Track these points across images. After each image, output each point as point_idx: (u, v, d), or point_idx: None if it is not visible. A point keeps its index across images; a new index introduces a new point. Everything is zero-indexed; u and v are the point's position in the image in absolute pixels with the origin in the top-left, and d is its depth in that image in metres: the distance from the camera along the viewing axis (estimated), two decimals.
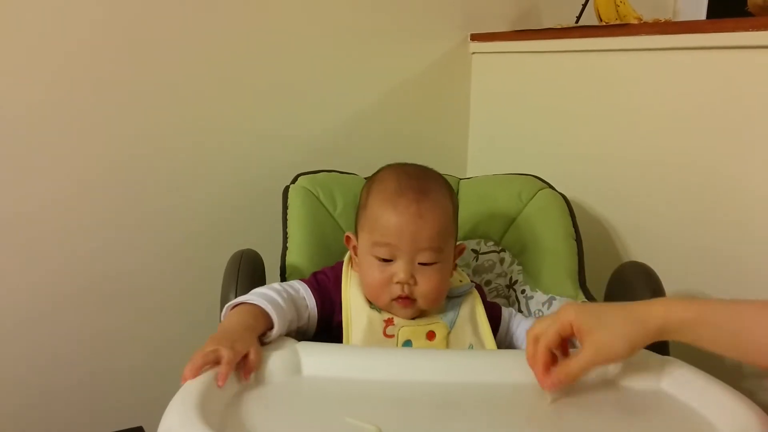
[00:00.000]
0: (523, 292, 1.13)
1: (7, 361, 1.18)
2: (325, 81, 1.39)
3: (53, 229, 1.18)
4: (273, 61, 1.33)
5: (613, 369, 0.82)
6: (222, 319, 0.86)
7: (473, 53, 1.54)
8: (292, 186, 1.15)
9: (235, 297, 0.96)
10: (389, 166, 0.99)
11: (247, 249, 1.05)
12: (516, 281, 1.14)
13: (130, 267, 1.26)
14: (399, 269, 0.90)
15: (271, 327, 0.84)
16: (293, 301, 0.91)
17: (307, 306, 0.94)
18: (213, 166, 1.31)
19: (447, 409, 0.73)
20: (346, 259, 0.99)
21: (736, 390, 0.75)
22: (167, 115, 1.25)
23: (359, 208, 0.97)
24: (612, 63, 1.25)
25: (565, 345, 0.79)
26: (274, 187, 1.17)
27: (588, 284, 1.11)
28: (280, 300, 0.87)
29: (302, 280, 0.97)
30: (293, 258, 1.08)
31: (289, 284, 0.95)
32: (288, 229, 1.11)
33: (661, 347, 0.94)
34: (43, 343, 1.20)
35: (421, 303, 0.91)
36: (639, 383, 0.80)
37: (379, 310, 0.93)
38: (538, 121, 1.42)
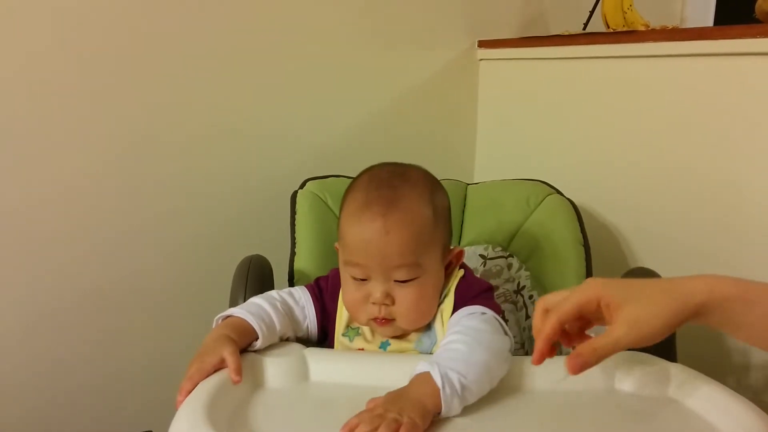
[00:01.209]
0: (531, 297, 1.13)
1: (13, 364, 1.18)
2: (333, 87, 1.40)
3: (59, 232, 1.19)
4: (282, 67, 1.34)
5: (618, 375, 0.82)
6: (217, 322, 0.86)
7: (481, 60, 1.55)
8: (300, 191, 1.16)
9: (244, 302, 0.97)
10: (368, 169, 0.91)
11: (256, 255, 1.06)
12: (524, 287, 1.14)
13: (138, 270, 1.27)
14: (374, 289, 0.83)
15: (256, 338, 0.82)
16: (289, 312, 0.89)
17: (306, 316, 0.91)
18: (221, 170, 1.32)
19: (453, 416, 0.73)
20: None
21: (742, 396, 0.75)
22: (175, 119, 1.25)
23: (339, 218, 0.90)
24: (619, 70, 1.25)
25: (583, 327, 0.69)
26: (282, 192, 1.17)
27: None
28: (271, 311, 0.85)
29: (307, 285, 0.95)
30: (301, 263, 1.09)
31: (291, 292, 0.92)
32: (296, 235, 1.11)
33: (668, 353, 0.95)
34: (49, 346, 1.21)
35: (401, 323, 0.85)
36: (645, 389, 0.80)
37: (352, 336, 0.90)
38: (545, 127, 1.43)
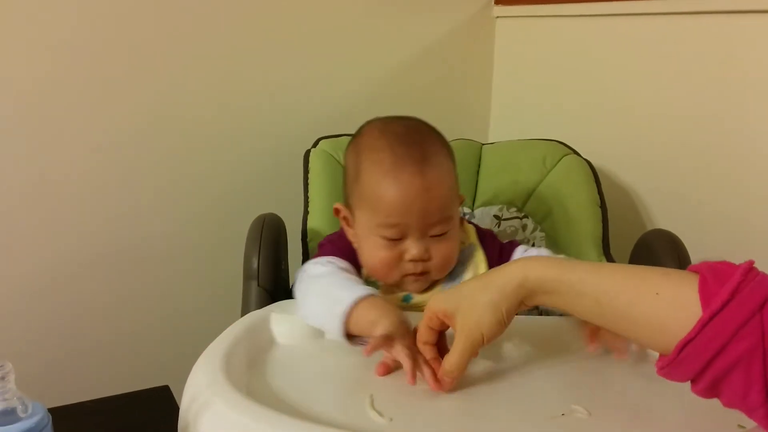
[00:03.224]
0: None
1: (32, 320, 1.20)
2: (346, 45, 1.38)
3: (79, 195, 1.19)
4: (295, 26, 1.32)
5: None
6: (349, 312, 0.75)
7: (497, 17, 1.52)
8: (313, 150, 1.15)
9: (258, 261, 0.97)
10: (374, 126, 0.89)
11: (270, 213, 1.05)
12: (538, 248, 1.14)
13: (154, 230, 1.27)
14: (411, 246, 0.83)
15: None
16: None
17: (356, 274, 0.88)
18: (234, 130, 1.31)
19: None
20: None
21: None
22: (189, 81, 1.24)
23: (349, 179, 0.89)
24: (639, 27, 1.22)
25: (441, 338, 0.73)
26: (295, 151, 1.16)
27: (612, 252, 1.11)
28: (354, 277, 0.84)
29: (332, 254, 0.89)
30: (314, 222, 1.09)
31: (336, 264, 0.86)
32: (309, 194, 1.11)
33: None
34: (69, 304, 1.22)
35: (435, 274, 0.86)
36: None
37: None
38: (562, 86, 1.40)
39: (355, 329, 0.75)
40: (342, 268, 0.86)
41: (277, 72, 1.32)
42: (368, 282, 0.89)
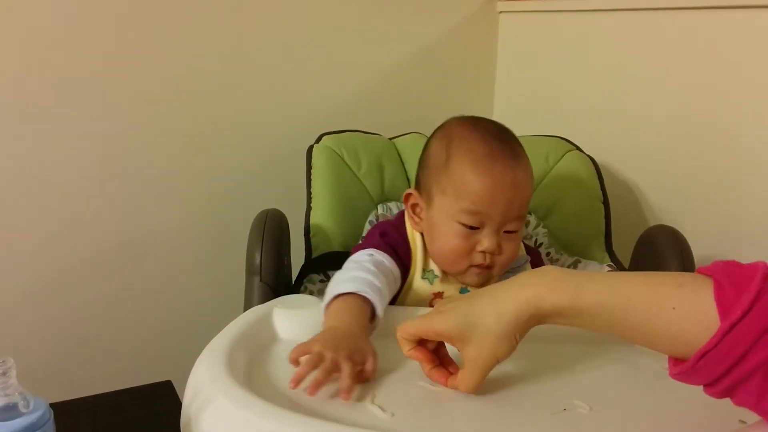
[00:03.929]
0: (548, 255, 1.12)
1: (35, 316, 1.20)
2: (349, 40, 1.38)
3: (79, 187, 1.19)
4: (298, 21, 1.31)
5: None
6: (325, 308, 0.79)
7: (500, 12, 1.51)
8: (316, 146, 1.15)
9: (261, 256, 0.97)
10: (462, 121, 0.92)
11: (272, 209, 1.05)
12: (541, 244, 1.14)
13: (156, 224, 1.27)
14: (485, 238, 0.85)
15: (374, 316, 0.79)
16: (386, 279, 0.84)
17: (395, 279, 0.88)
18: (237, 125, 1.31)
19: None
20: (407, 218, 0.95)
21: None
22: (191, 75, 1.24)
23: (433, 167, 0.90)
24: (642, 22, 1.22)
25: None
26: (298, 146, 1.16)
27: (615, 247, 1.10)
28: (378, 283, 0.81)
29: (377, 247, 0.90)
30: (317, 218, 1.08)
31: (375, 259, 0.87)
32: (312, 189, 1.11)
33: None
34: (70, 299, 1.22)
35: (497, 271, 0.89)
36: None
37: (432, 279, 0.91)
38: (565, 82, 1.40)
39: (324, 320, 0.78)
40: (381, 262, 0.87)
41: (280, 67, 1.32)
42: (425, 274, 0.90)
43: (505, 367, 0.73)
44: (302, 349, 0.69)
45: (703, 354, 0.53)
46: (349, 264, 0.87)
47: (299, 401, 0.65)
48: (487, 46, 1.54)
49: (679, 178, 1.19)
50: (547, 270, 0.64)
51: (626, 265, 1.07)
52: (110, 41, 1.17)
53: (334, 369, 0.66)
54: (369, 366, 0.69)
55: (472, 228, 0.86)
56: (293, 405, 0.64)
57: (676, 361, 0.58)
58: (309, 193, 1.11)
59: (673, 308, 0.56)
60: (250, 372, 0.71)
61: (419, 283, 0.91)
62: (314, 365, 0.66)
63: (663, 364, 0.76)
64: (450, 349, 0.71)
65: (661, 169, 1.22)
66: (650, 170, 1.25)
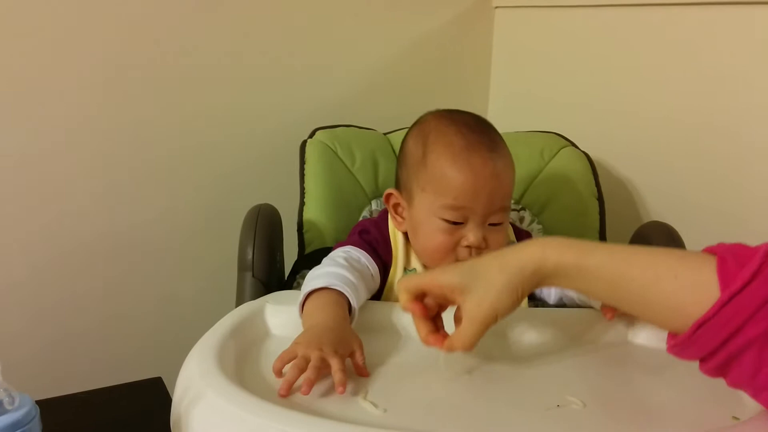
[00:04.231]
0: None
1: (21, 308, 1.19)
2: (343, 35, 1.37)
3: (68, 178, 1.18)
4: (292, 15, 1.30)
5: (632, 328, 0.81)
6: (301, 306, 0.77)
7: (496, 7, 1.51)
8: (309, 140, 1.14)
9: (253, 252, 0.97)
10: (437, 116, 0.90)
11: (265, 204, 1.05)
12: None
13: (147, 218, 1.26)
14: (470, 233, 0.84)
15: (350, 311, 0.77)
16: (362, 276, 0.83)
17: (372, 276, 0.87)
18: (230, 119, 1.30)
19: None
20: (390, 218, 0.93)
21: None
22: (184, 72, 1.23)
23: (410, 163, 0.89)
24: (638, 18, 1.21)
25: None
26: (291, 141, 1.16)
27: (609, 241, 1.10)
28: (352, 277, 0.80)
29: (355, 244, 0.89)
30: (311, 213, 1.08)
31: (351, 256, 0.86)
32: (305, 184, 1.10)
33: None
34: (59, 294, 1.21)
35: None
36: (659, 342, 0.79)
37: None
38: (561, 78, 1.39)
39: (302, 318, 0.76)
40: (356, 259, 0.85)
41: (273, 62, 1.31)
42: (405, 273, 0.89)
43: (498, 363, 0.73)
44: (286, 356, 0.66)
45: (701, 324, 0.53)
46: (324, 261, 0.85)
47: (291, 398, 0.64)
48: (483, 41, 1.53)
49: (674, 175, 1.19)
50: (553, 236, 0.64)
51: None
52: (102, 33, 1.15)
53: (323, 366, 0.65)
54: (357, 357, 0.68)
55: (455, 223, 0.84)
56: (284, 401, 0.63)
57: (672, 335, 0.57)
58: (302, 189, 1.10)
59: (675, 277, 0.56)
60: (242, 368, 0.70)
61: None
62: (301, 369, 0.64)
63: (656, 360, 0.77)
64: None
65: (655, 166, 1.22)
66: (645, 166, 1.24)
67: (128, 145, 1.22)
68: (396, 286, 0.70)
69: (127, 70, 1.19)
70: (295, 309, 0.80)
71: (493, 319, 0.64)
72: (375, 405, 0.63)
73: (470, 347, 0.65)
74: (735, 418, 0.63)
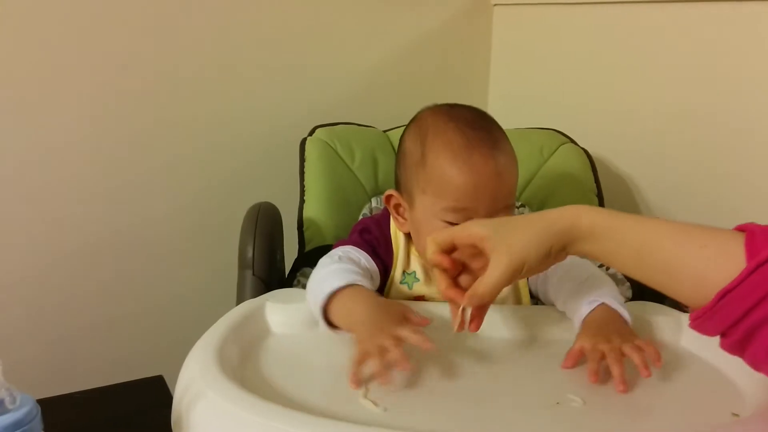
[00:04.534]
0: None
1: (23, 309, 1.19)
2: (343, 33, 1.36)
3: (69, 180, 1.18)
4: (292, 13, 1.30)
5: (632, 325, 0.81)
6: (322, 308, 0.75)
7: (495, 5, 1.50)
8: (309, 138, 1.14)
9: (253, 250, 0.96)
10: (435, 112, 0.87)
11: (265, 202, 1.05)
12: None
13: (147, 217, 1.26)
14: None
15: None
16: (364, 276, 0.81)
17: (373, 277, 0.86)
18: (230, 117, 1.29)
19: (460, 368, 0.73)
20: (392, 219, 0.92)
21: None
22: (183, 67, 1.23)
23: (409, 164, 0.86)
24: (637, 15, 1.21)
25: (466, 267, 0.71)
26: (291, 139, 1.16)
27: None
28: (361, 271, 0.80)
29: (355, 244, 0.88)
30: (311, 211, 1.08)
31: (350, 257, 0.85)
32: (305, 182, 1.10)
33: (680, 303, 0.94)
34: (60, 293, 1.21)
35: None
36: (658, 339, 0.80)
37: (411, 283, 0.89)
38: (560, 75, 1.39)
39: (334, 321, 0.75)
40: (354, 260, 0.84)
41: (273, 60, 1.31)
42: (405, 277, 0.88)
43: (498, 361, 0.73)
44: (359, 360, 0.66)
45: (725, 293, 0.53)
46: (322, 261, 0.84)
47: (291, 396, 0.65)
48: (482, 38, 1.53)
49: (673, 171, 1.19)
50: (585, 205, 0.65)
51: None
52: (100, 34, 1.15)
53: (398, 342, 0.65)
54: (411, 317, 0.69)
55: (457, 225, 0.82)
56: (285, 400, 0.63)
57: (696, 310, 0.57)
58: (302, 186, 1.10)
59: (702, 247, 0.56)
60: (242, 366, 0.70)
61: (399, 288, 0.89)
62: (384, 356, 0.64)
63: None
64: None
65: (655, 162, 1.22)
66: (644, 163, 1.24)
67: (128, 145, 1.22)
68: (426, 240, 0.69)
69: (127, 69, 1.18)
70: (295, 307, 0.81)
71: (520, 269, 0.64)
72: (375, 404, 0.63)
73: (492, 295, 0.65)
74: (734, 414, 0.64)
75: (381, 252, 0.89)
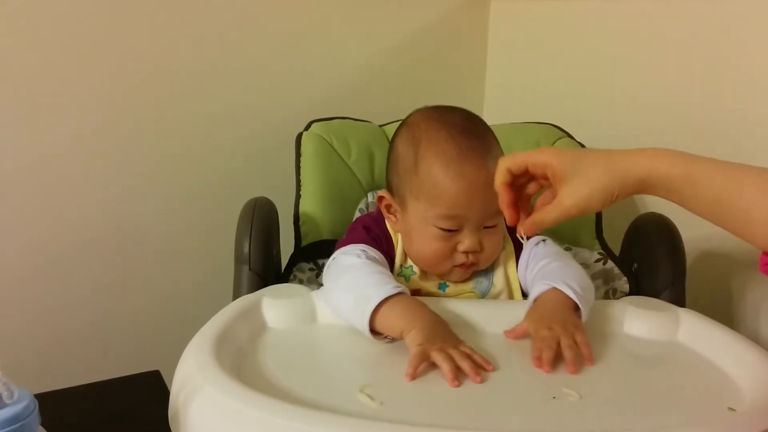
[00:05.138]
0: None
1: (22, 306, 1.18)
2: (339, 27, 1.36)
3: (65, 178, 1.18)
4: (286, 8, 1.30)
5: (627, 320, 0.82)
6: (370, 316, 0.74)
7: None
8: (305, 133, 1.14)
9: (249, 245, 0.96)
10: (427, 117, 0.88)
11: (261, 197, 1.05)
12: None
13: (143, 214, 1.26)
14: (466, 238, 0.83)
15: None
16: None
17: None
18: (225, 112, 1.29)
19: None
20: (385, 218, 0.93)
21: (754, 341, 0.75)
22: (178, 63, 1.22)
23: (402, 169, 0.87)
24: (634, 9, 1.21)
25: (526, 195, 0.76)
26: (287, 133, 1.15)
27: (606, 235, 1.10)
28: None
29: (365, 242, 0.88)
30: (307, 206, 1.08)
31: (370, 256, 0.85)
32: (301, 177, 1.10)
33: (677, 298, 0.95)
34: (57, 288, 1.21)
35: (482, 264, 0.87)
36: (653, 334, 0.80)
37: (408, 276, 0.89)
38: (557, 69, 1.39)
39: (380, 327, 0.74)
40: (374, 259, 0.85)
41: (268, 54, 1.30)
42: (402, 270, 0.89)
43: (494, 356, 0.73)
44: (418, 360, 0.67)
45: None
46: (346, 259, 0.84)
47: (287, 390, 0.65)
48: (478, 32, 1.52)
49: None
50: (663, 148, 0.67)
51: (617, 253, 1.07)
52: (97, 31, 1.15)
53: (470, 354, 0.69)
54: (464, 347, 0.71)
55: (450, 231, 0.83)
56: (282, 394, 0.63)
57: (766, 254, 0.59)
58: (298, 181, 1.10)
59: None
60: (239, 361, 0.70)
61: (397, 279, 0.88)
62: (451, 359, 0.67)
63: (652, 352, 0.77)
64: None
65: None
66: None
67: (124, 141, 1.21)
68: (500, 164, 0.73)
69: (125, 65, 1.18)
70: (292, 302, 0.81)
71: (579, 213, 0.68)
72: (371, 398, 0.63)
73: (555, 224, 0.71)
74: (731, 409, 0.64)
75: (386, 248, 0.90)
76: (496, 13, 1.51)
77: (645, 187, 0.65)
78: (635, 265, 1.03)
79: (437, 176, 0.82)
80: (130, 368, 0.90)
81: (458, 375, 0.66)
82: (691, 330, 0.80)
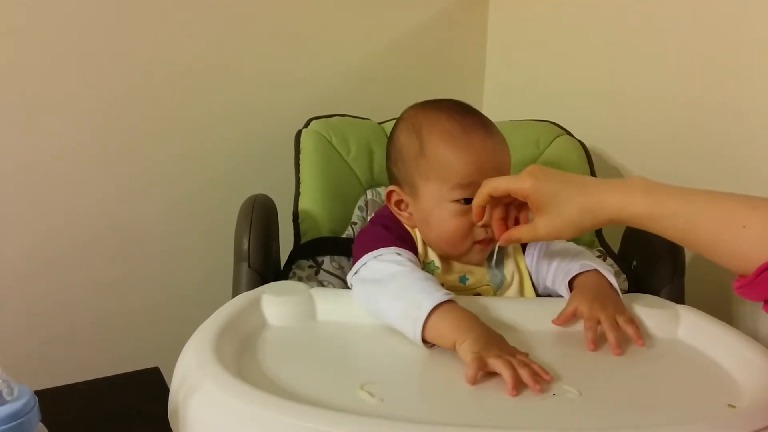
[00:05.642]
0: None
1: (21, 304, 1.19)
2: (338, 25, 1.36)
3: (65, 177, 1.18)
4: (285, 6, 1.30)
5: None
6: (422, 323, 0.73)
7: None
8: (304, 130, 1.14)
9: (249, 242, 0.96)
10: (422, 108, 0.92)
11: (260, 194, 1.04)
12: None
13: (143, 212, 1.26)
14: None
15: None
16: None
17: None
18: (225, 110, 1.29)
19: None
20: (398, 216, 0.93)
21: (753, 339, 0.75)
22: (177, 61, 1.22)
23: (408, 159, 0.89)
24: (633, 6, 1.21)
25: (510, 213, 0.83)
26: (286, 131, 1.15)
27: (605, 232, 1.11)
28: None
29: (394, 244, 0.86)
30: (306, 203, 1.08)
31: (405, 257, 0.84)
32: (300, 174, 1.10)
33: (676, 295, 0.95)
34: (57, 285, 1.21)
35: (502, 241, 0.85)
36: (653, 331, 0.80)
37: (432, 271, 0.89)
38: (556, 66, 1.39)
39: (430, 336, 0.73)
40: (415, 263, 0.84)
41: (267, 52, 1.30)
42: (425, 266, 0.89)
43: None
44: (476, 366, 0.66)
45: (763, 270, 0.58)
46: (387, 266, 0.82)
47: (287, 387, 0.65)
48: (477, 29, 1.52)
49: (670, 163, 1.19)
50: (634, 180, 0.72)
51: (615, 251, 1.08)
52: (96, 31, 1.14)
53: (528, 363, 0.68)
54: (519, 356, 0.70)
55: (466, 201, 0.84)
56: (281, 391, 0.63)
57: (739, 277, 0.62)
58: (297, 179, 1.10)
59: (743, 227, 0.61)
60: (239, 358, 0.70)
61: None
62: (512, 365, 0.66)
63: (652, 349, 0.77)
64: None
65: (651, 154, 1.22)
66: (640, 155, 1.25)
67: (124, 139, 1.21)
68: (484, 183, 0.79)
69: (125, 65, 1.18)
70: (291, 299, 0.81)
71: (551, 239, 0.80)
72: (371, 395, 0.63)
73: (527, 239, 0.83)
74: (731, 405, 0.64)
75: (410, 246, 0.89)
76: (495, 10, 1.51)
77: (615, 222, 0.72)
78: (634, 262, 1.04)
79: (446, 153, 0.85)
80: (130, 365, 0.90)
81: (519, 383, 0.65)
82: (690, 327, 0.80)
